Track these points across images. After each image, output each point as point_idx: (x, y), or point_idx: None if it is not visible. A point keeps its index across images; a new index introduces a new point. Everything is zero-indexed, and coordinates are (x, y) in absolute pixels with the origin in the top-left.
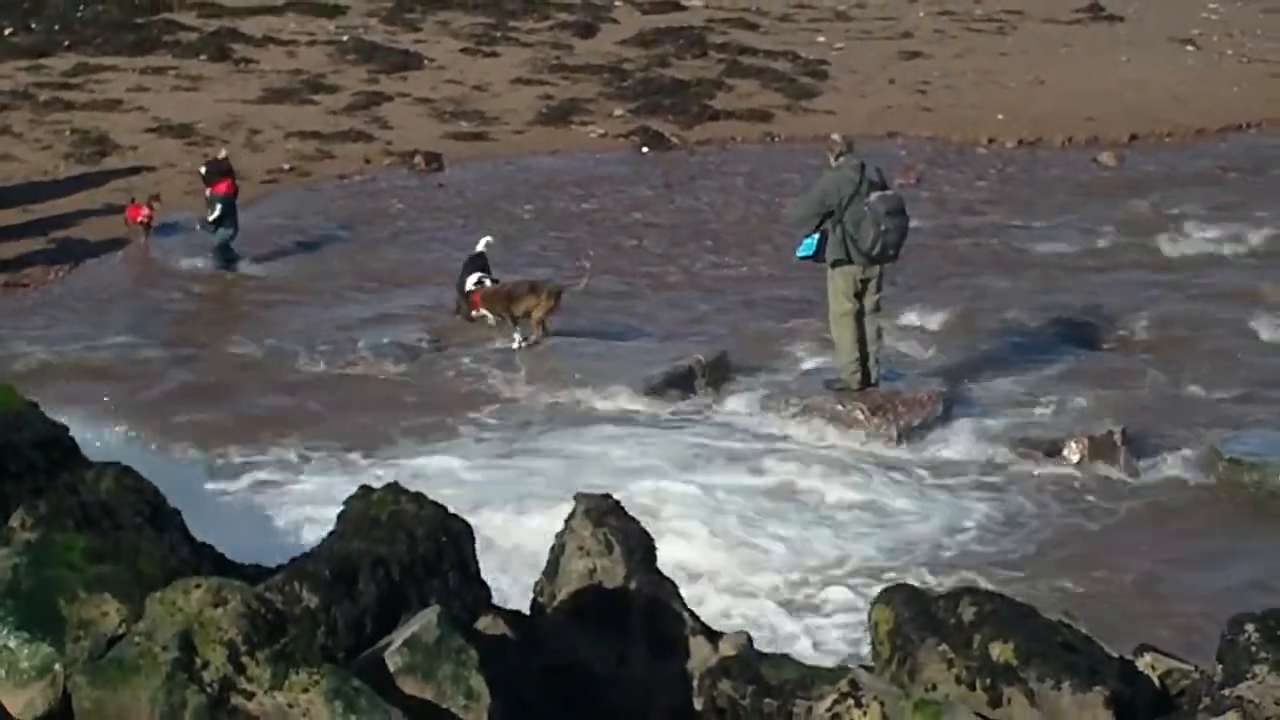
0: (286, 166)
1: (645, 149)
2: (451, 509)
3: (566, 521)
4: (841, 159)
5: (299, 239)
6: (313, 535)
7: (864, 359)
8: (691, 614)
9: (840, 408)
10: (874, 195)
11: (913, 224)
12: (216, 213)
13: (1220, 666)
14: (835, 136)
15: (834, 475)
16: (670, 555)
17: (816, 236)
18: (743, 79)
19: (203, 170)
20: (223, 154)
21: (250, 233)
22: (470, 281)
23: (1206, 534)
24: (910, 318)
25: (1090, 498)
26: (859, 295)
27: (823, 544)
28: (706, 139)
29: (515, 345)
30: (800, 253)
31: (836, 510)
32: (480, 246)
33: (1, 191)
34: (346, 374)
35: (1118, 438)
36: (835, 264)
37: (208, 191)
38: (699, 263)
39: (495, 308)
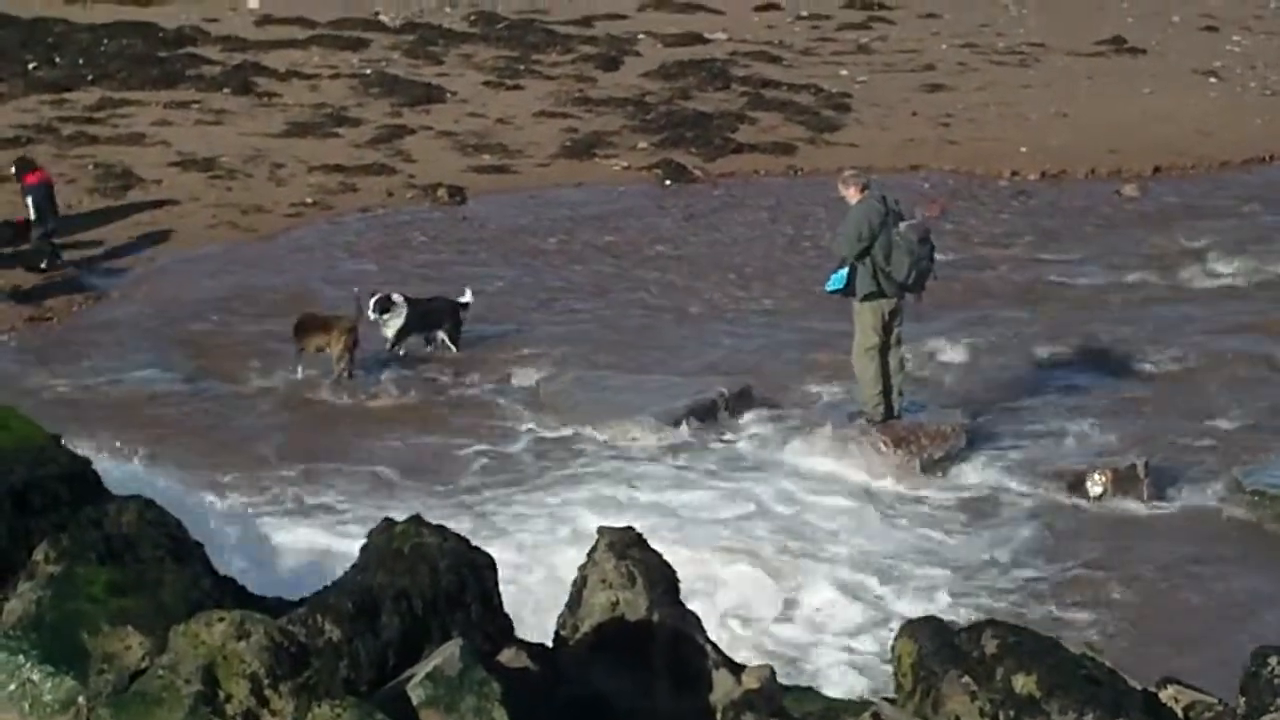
0: (310, 200)
1: (668, 182)
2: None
3: (589, 554)
4: (866, 191)
5: (322, 272)
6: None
7: (887, 391)
8: (714, 646)
9: (864, 440)
10: (902, 225)
11: (936, 256)
12: (31, 207)
13: (1243, 699)
14: (848, 171)
15: (858, 507)
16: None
17: (845, 270)
18: (765, 112)
19: (13, 169)
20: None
21: (274, 265)
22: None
23: (1229, 565)
24: (934, 349)
25: (1113, 529)
26: (885, 328)
27: (845, 577)
28: (729, 172)
29: (297, 376)
30: (829, 287)
31: (857, 542)
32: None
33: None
34: (369, 407)
35: (1140, 469)
36: (866, 298)
37: (20, 185)
38: (722, 295)
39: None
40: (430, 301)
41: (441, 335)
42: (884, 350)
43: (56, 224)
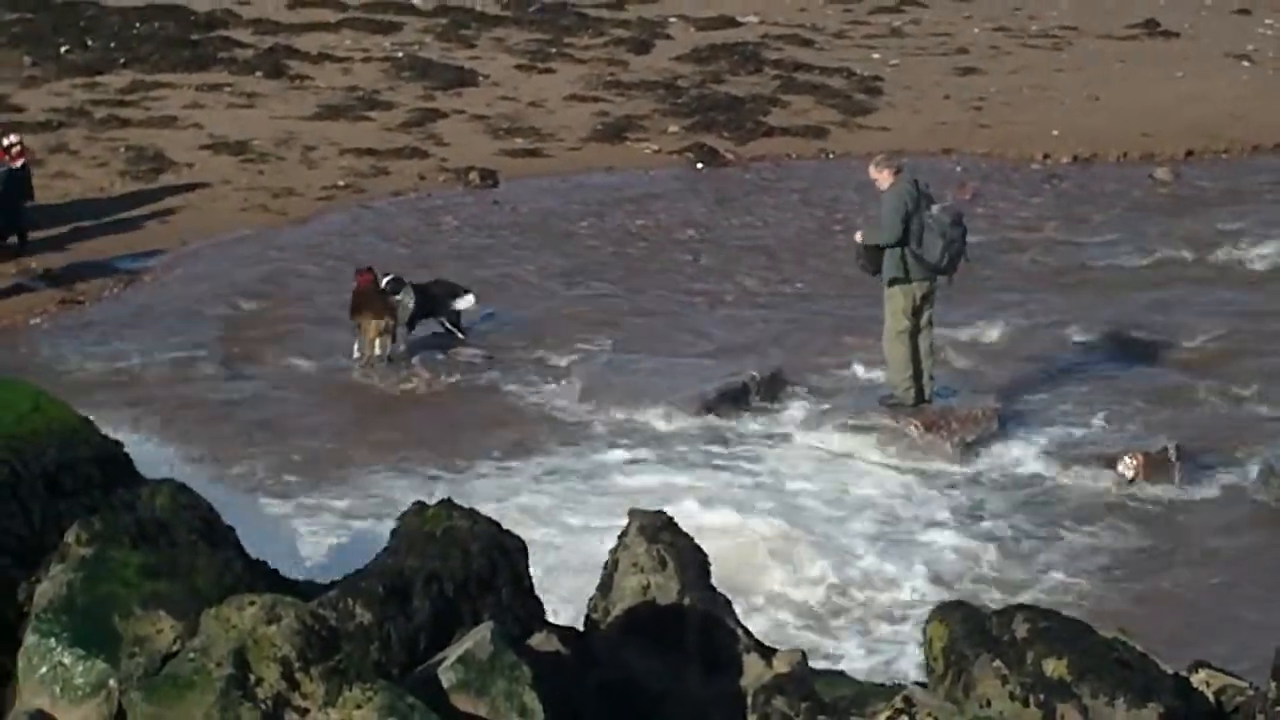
0: (341, 183)
1: (700, 165)
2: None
3: (620, 538)
4: (899, 175)
5: (353, 256)
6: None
7: (918, 375)
8: (745, 630)
9: (895, 424)
10: (935, 208)
11: (969, 239)
12: None
13: (1275, 683)
14: (880, 155)
15: (888, 492)
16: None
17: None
18: (797, 95)
19: None
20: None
21: (306, 249)
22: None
23: (1261, 550)
24: (965, 333)
25: (1144, 514)
26: (915, 312)
27: (875, 562)
28: (761, 155)
29: (355, 356)
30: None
31: (887, 526)
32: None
33: (57, 208)
34: (400, 390)
35: (1172, 454)
36: (893, 281)
37: None
38: (754, 279)
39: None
40: (430, 286)
41: (444, 321)
42: (915, 334)
43: None
